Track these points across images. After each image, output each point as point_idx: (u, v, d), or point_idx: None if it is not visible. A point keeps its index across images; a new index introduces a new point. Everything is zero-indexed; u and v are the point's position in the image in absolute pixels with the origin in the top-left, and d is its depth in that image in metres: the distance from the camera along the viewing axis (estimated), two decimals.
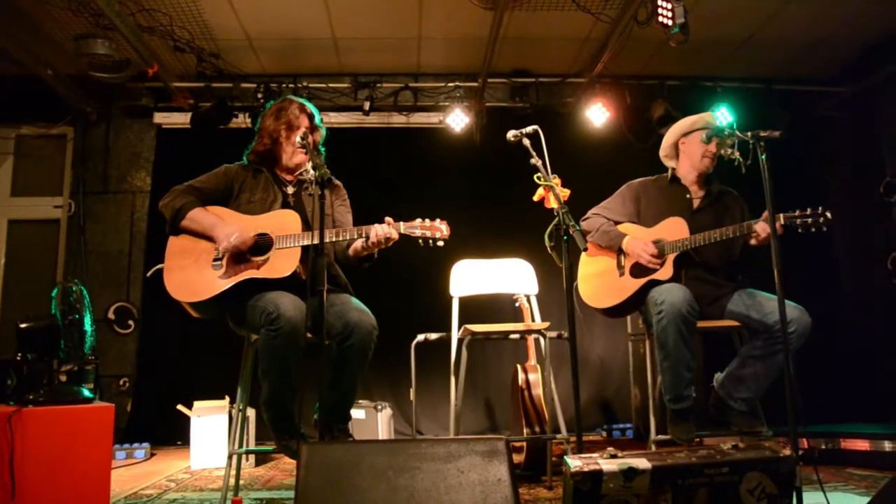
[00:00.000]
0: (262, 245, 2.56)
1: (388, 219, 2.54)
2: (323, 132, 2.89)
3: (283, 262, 2.51)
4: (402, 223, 2.54)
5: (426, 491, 1.72)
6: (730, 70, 5.22)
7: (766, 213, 2.70)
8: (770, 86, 5.29)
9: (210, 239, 2.57)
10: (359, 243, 2.60)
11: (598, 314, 3.16)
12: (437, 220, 2.56)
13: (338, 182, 2.94)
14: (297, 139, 2.59)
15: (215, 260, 2.55)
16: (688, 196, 3.10)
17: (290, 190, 2.78)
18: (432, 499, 1.71)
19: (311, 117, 2.82)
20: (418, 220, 2.54)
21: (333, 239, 2.56)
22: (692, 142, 3.08)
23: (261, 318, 2.37)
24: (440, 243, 2.54)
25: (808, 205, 2.70)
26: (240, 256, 2.54)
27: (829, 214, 2.65)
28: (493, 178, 5.15)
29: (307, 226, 2.63)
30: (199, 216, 2.60)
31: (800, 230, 2.67)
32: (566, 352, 2.66)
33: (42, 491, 2.18)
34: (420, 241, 2.53)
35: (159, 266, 2.60)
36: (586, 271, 3.12)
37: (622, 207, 3.15)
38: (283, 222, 2.59)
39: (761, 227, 2.72)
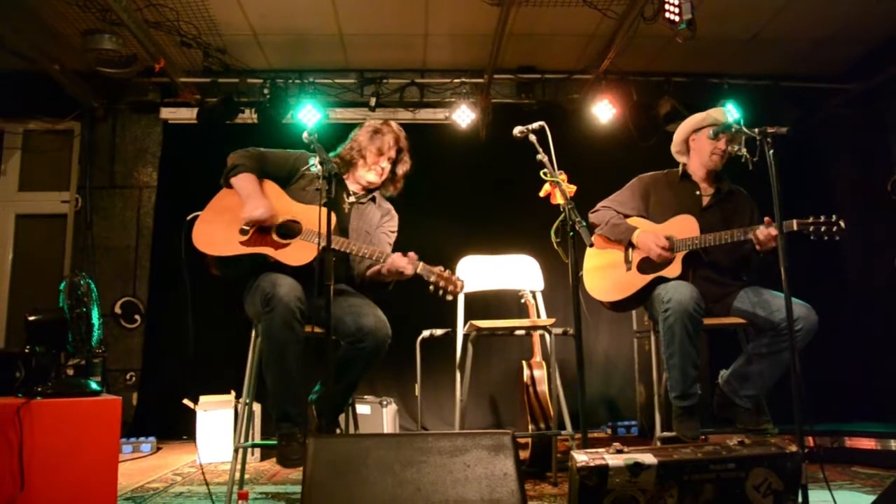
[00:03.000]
0: (291, 230, 2.62)
1: (411, 254, 2.55)
2: (407, 166, 2.95)
3: (300, 252, 2.56)
4: (421, 262, 2.54)
5: (432, 485, 1.73)
6: (737, 67, 5.21)
7: (766, 219, 2.70)
8: (777, 83, 5.27)
9: None
10: (376, 267, 2.63)
11: (602, 309, 3.16)
12: (457, 276, 2.54)
13: (393, 212, 2.98)
14: (305, 133, 2.58)
15: (245, 225, 2.62)
16: (697, 193, 3.08)
17: (352, 199, 2.86)
18: (438, 492, 1.72)
19: (399, 151, 2.89)
20: (439, 268, 2.53)
21: (359, 252, 2.58)
22: (702, 138, 3.06)
23: (260, 300, 2.41)
24: (448, 297, 2.51)
25: (815, 203, 2.70)
26: (266, 232, 2.60)
27: (842, 224, 2.64)
28: (499, 174, 5.15)
29: (345, 235, 2.70)
30: (245, 181, 2.66)
31: (812, 237, 2.66)
32: (571, 348, 2.67)
33: (50, 483, 2.19)
34: (431, 287, 2.51)
35: (196, 213, 2.66)
36: (592, 264, 3.10)
37: (631, 201, 3.13)
38: (317, 217, 2.60)
39: (760, 233, 2.71)
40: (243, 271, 2.61)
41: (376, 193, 2.91)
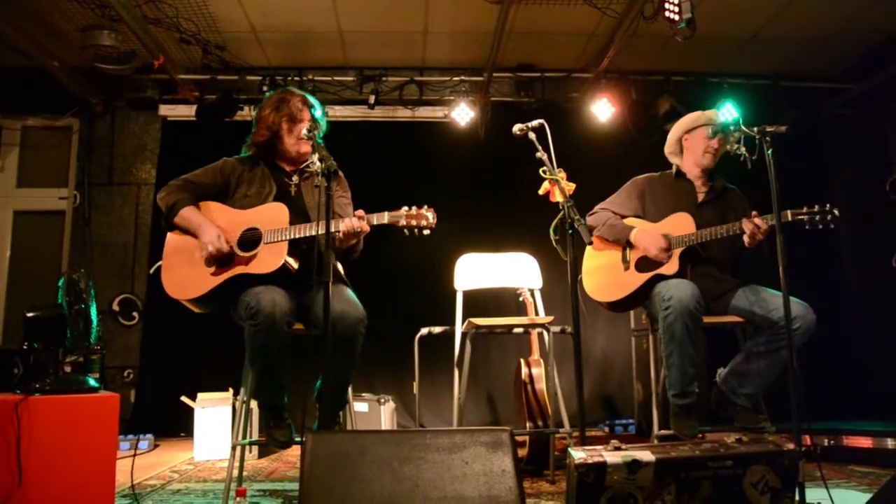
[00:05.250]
0: (252, 240, 2.56)
1: (359, 211, 2.51)
2: (323, 126, 2.86)
3: (269, 258, 2.50)
4: (386, 213, 2.50)
5: (431, 481, 1.73)
6: (736, 66, 5.21)
7: (754, 213, 2.72)
8: (777, 82, 5.27)
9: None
10: (339, 236, 2.57)
11: (601, 309, 3.16)
12: (425, 208, 2.50)
13: (338, 172, 2.92)
14: (304, 131, 2.58)
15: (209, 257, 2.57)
16: (692, 191, 3.10)
17: (295, 179, 2.78)
18: (437, 489, 1.72)
19: (312, 109, 2.81)
20: (404, 209, 2.49)
21: (314, 233, 2.51)
22: (695, 138, 3.09)
23: (245, 311, 2.40)
24: (426, 232, 2.48)
25: (813, 202, 2.70)
26: (229, 254, 2.55)
27: (836, 212, 2.64)
28: (498, 172, 5.15)
29: (305, 217, 2.63)
30: (188, 215, 2.61)
31: (807, 227, 2.67)
32: (569, 346, 2.67)
33: (48, 479, 2.19)
34: (406, 230, 2.48)
35: (160, 263, 2.63)
36: (591, 265, 3.11)
37: (628, 202, 3.15)
38: (271, 216, 2.58)
39: (746, 225, 2.71)
40: (225, 298, 2.56)
41: (312, 163, 2.71)
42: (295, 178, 2.78)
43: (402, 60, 5.22)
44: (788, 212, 2.67)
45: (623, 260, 3.04)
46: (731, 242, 2.89)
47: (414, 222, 2.47)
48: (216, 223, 2.58)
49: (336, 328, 2.44)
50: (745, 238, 2.74)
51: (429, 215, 2.49)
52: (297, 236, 2.50)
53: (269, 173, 2.75)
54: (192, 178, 2.72)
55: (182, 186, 2.67)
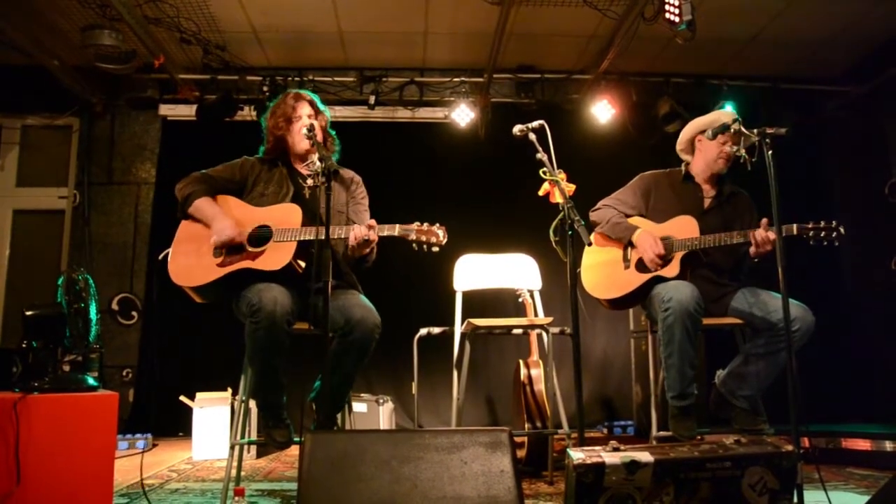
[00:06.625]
0: (262, 236, 2.58)
1: (371, 221, 2.53)
2: (327, 115, 2.90)
3: (276, 256, 2.52)
4: (397, 225, 2.51)
5: (429, 481, 1.73)
6: (736, 68, 5.21)
7: (763, 221, 2.70)
8: (776, 84, 5.28)
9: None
10: (350, 243, 2.57)
11: (600, 309, 3.16)
12: (436, 225, 2.51)
13: (356, 178, 2.93)
14: (304, 131, 2.60)
15: (217, 248, 2.59)
16: (699, 195, 3.07)
17: (310, 182, 2.78)
18: (435, 489, 1.72)
19: (310, 103, 2.82)
20: (416, 224, 2.50)
21: (324, 237, 2.53)
22: (708, 140, 3.03)
23: (246, 308, 2.41)
24: (435, 249, 2.49)
25: (813, 205, 2.71)
26: (238, 246, 2.57)
27: (842, 229, 2.64)
28: (498, 173, 5.15)
29: (318, 220, 2.63)
30: (203, 206, 2.65)
31: (811, 242, 2.66)
32: (568, 347, 2.67)
33: (46, 478, 2.18)
34: (414, 245, 2.49)
35: (169, 249, 2.66)
36: (591, 261, 3.08)
37: (632, 199, 3.11)
38: (284, 216, 2.60)
39: (758, 235, 2.70)
40: (228, 291, 2.57)
41: (312, 163, 2.76)
42: (310, 181, 2.79)
43: (402, 61, 5.23)
44: (794, 226, 2.66)
45: (624, 258, 3.02)
46: (734, 249, 2.87)
47: (424, 238, 2.48)
48: (230, 215, 2.62)
49: (353, 332, 2.47)
50: (752, 249, 2.74)
51: (439, 233, 2.49)
52: (306, 238, 2.51)
53: (287, 174, 2.78)
54: (212, 172, 2.78)
55: (200, 179, 2.73)
